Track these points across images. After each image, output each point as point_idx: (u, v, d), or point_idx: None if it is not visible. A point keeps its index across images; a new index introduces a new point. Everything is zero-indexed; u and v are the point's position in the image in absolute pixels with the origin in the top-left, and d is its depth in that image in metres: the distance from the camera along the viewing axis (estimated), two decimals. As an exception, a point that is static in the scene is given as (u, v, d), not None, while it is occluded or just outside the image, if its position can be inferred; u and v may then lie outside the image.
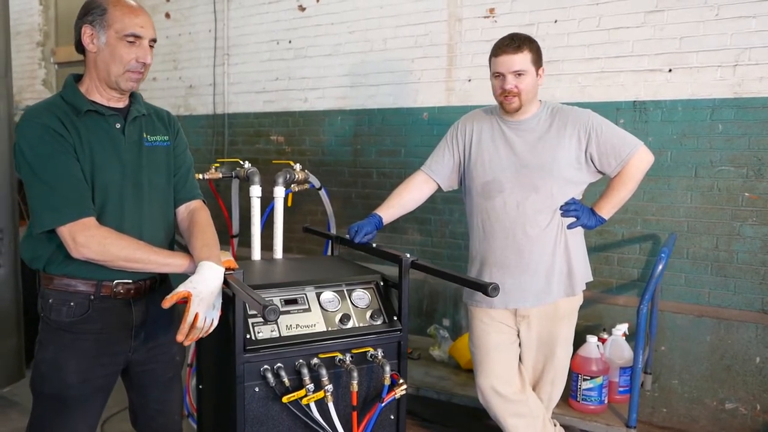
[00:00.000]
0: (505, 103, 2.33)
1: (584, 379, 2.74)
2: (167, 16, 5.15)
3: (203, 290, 1.67)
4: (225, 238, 3.14)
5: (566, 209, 2.36)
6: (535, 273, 2.37)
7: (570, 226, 2.38)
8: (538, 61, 2.31)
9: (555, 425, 2.58)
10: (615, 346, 2.91)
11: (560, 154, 2.32)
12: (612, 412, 2.77)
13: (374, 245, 2.32)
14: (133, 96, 1.89)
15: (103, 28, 1.74)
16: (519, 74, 2.27)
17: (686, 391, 3.24)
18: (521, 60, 2.26)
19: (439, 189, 2.59)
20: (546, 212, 2.35)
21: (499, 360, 2.46)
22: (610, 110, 3.29)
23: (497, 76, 2.32)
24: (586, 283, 2.47)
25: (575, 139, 2.33)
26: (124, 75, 1.77)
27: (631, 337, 2.97)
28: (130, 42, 1.75)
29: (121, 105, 1.85)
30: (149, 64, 1.81)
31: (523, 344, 2.48)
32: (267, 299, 1.65)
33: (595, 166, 2.37)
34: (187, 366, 2.97)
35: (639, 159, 2.33)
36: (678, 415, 3.27)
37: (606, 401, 2.78)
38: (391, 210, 2.49)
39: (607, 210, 2.41)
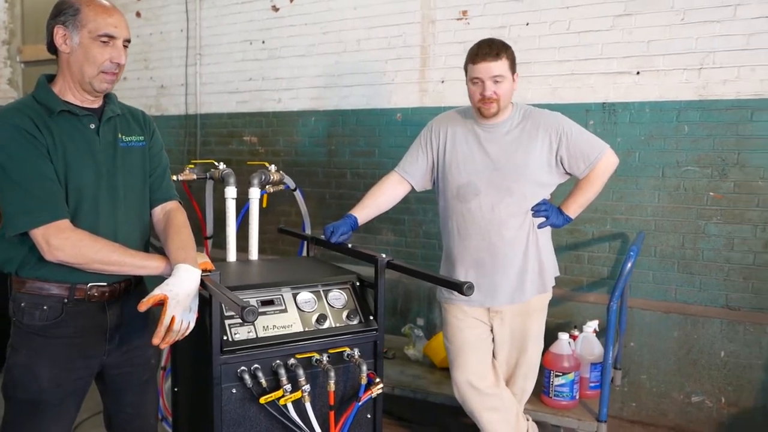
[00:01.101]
0: (484, 109, 2.36)
1: (556, 376, 2.79)
2: (138, 14, 5.09)
3: (179, 293, 1.66)
4: (199, 239, 3.12)
5: (537, 209, 2.41)
6: (509, 273, 2.42)
7: (540, 226, 2.44)
8: (513, 67, 2.36)
9: (527, 420, 2.63)
10: (586, 343, 2.97)
11: (532, 157, 2.37)
12: (583, 407, 2.82)
13: (350, 245, 2.34)
14: (108, 96, 1.87)
15: (76, 28, 1.72)
16: (497, 80, 2.30)
17: (654, 386, 3.32)
18: (500, 66, 2.29)
19: (413, 190, 2.61)
20: (519, 215, 2.40)
21: (473, 355, 2.50)
22: (580, 111, 3.36)
23: (476, 82, 2.34)
24: (556, 279, 2.54)
25: (547, 143, 2.38)
26: (98, 76, 1.75)
27: (601, 334, 3.04)
28: (104, 42, 1.73)
29: (95, 105, 1.83)
30: (123, 65, 1.80)
31: (496, 340, 2.53)
32: (244, 300, 1.66)
33: (564, 168, 2.43)
34: (160, 369, 2.95)
35: (606, 162, 2.41)
36: (647, 409, 3.35)
37: (577, 397, 2.84)
38: (365, 210, 2.51)
39: (573, 209, 2.48)
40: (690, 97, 3.13)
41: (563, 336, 2.86)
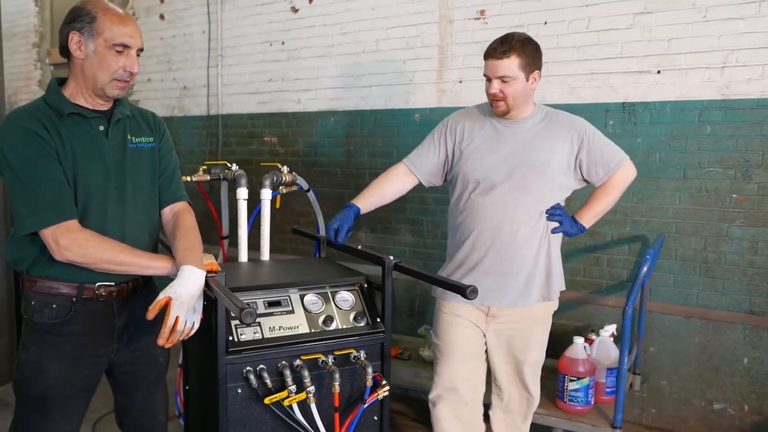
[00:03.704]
0: (493, 106, 2.32)
1: (571, 380, 2.74)
2: (161, 17, 5.17)
3: (183, 294, 1.68)
4: (215, 239, 3.16)
5: (552, 213, 2.34)
6: (517, 275, 2.35)
7: (553, 231, 2.37)
8: (530, 66, 2.25)
9: None
10: (602, 347, 2.91)
11: (553, 157, 2.30)
12: (598, 413, 2.77)
13: (359, 247, 2.33)
14: (117, 98, 1.90)
15: (92, 36, 1.74)
16: (505, 80, 2.23)
17: (675, 392, 3.25)
18: (507, 66, 2.21)
19: (419, 185, 2.53)
20: (534, 214, 2.32)
21: (463, 356, 2.43)
22: (599, 111, 3.31)
23: (487, 78, 2.29)
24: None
25: (568, 144, 2.31)
26: (111, 83, 1.79)
27: (619, 338, 2.98)
28: (119, 51, 1.76)
29: (104, 108, 1.86)
30: (136, 73, 1.83)
31: (491, 347, 2.45)
32: (246, 302, 1.67)
33: (582, 174, 2.36)
34: (178, 366, 2.99)
35: (625, 172, 2.35)
36: (667, 416, 3.28)
37: (592, 402, 2.79)
38: (370, 200, 2.43)
39: (588, 219, 2.41)
40: (712, 96, 3.06)
41: (578, 340, 2.81)
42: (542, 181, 2.31)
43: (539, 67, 2.29)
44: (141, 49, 1.82)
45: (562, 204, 2.40)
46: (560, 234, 2.41)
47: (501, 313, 2.40)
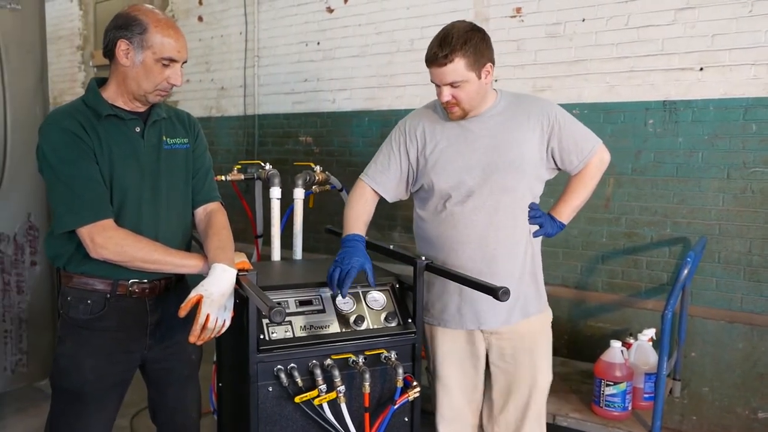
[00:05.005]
0: (448, 113, 2.09)
1: (607, 385, 2.68)
2: (200, 19, 5.25)
3: (214, 292, 1.70)
4: (250, 237, 3.19)
5: (532, 216, 2.13)
6: (508, 285, 1.95)
7: (535, 235, 2.17)
8: (479, 62, 1.98)
9: None
10: (640, 352, 2.84)
11: (526, 148, 2.09)
12: (636, 419, 2.70)
13: (391, 247, 2.31)
14: None
15: (141, 47, 1.75)
16: (455, 85, 1.99)
17: (717, 399, 3.15)
18: (453, 71, 1.96)
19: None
20: (521, 216, 2.12)
21: (463, 375, 2.23)
22: (639, 110, 3.23)
23: (436, 84, 2.04)
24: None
25: (538, 131, 2.10)
26: (154, 92, 1.82)
27: (658, 343, 2.90)
28: (165, 65, 1.79)
29: (142, 110, 1.89)
30: (178, 86, 1.86)
31: (494, 369, 2.22)
32: (277, 301, 1.67)
33: (555, 163, 2.15)
34: (213, 363, 3.03)
35: (600, 158, 2.16)
36: (708, 424, 3.18)
37: (630, 407, 2.72)
38: (363, 226, 2.17)
39: (567, 214, 2.20)
40: (758, 93, 2.95)
41: (615, 344, 2.74)
42: (521, 177, 2.10)
43: (490, 59, 2.03)
44: (185, 61, 1.85)
45: (537, 201, 2.19)
46: (540, 237, 2.21)
47: (500, 330, 2.18)
